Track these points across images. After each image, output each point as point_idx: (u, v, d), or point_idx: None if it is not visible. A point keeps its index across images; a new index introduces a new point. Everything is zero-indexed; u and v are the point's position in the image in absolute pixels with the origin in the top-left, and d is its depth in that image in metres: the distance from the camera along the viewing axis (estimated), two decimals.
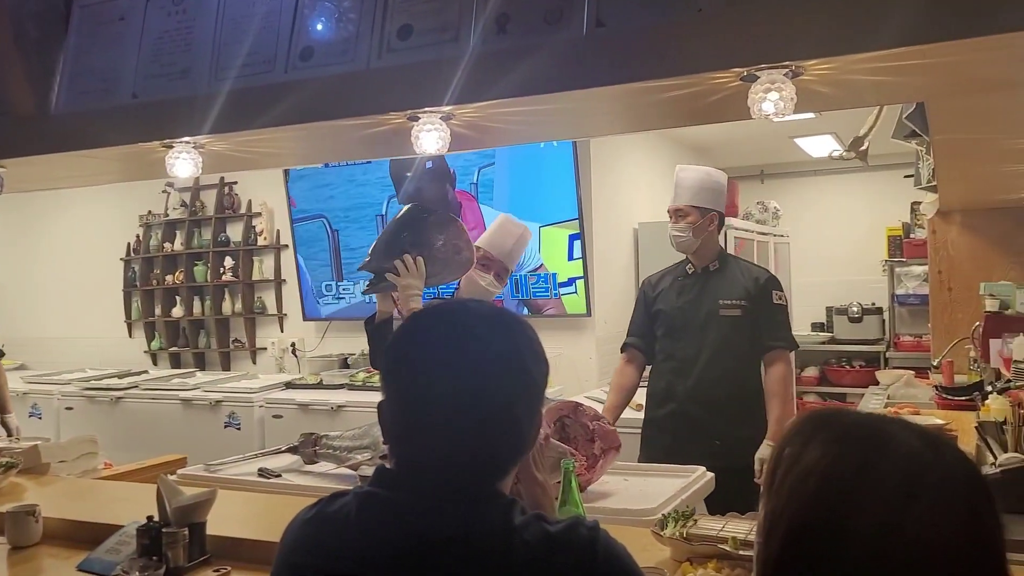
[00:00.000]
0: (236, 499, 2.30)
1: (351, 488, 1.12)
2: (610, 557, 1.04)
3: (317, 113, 2.04)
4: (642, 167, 5.73)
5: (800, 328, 7.02)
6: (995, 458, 2.45)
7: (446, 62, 1.83)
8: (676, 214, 3.01)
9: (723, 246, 3.17)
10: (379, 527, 1.04)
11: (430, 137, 1.94)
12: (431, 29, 1.89)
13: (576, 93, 1.83)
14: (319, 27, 2.07)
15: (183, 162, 2.23)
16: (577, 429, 2.34)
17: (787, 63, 1.58)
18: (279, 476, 2.56)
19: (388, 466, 1.10)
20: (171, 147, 2.25)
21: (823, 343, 7.09)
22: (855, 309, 6.93)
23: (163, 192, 6.20)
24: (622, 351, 3.16)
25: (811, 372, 7.13)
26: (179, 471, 2.64)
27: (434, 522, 1.01)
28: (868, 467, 0.79)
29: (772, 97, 1.58)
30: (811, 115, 5.28)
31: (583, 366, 4.88)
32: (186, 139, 2.22)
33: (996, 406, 3.00)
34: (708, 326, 2.97)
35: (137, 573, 1.74)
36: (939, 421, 2.96)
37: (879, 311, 6.93)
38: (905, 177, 5.16)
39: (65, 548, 2.01)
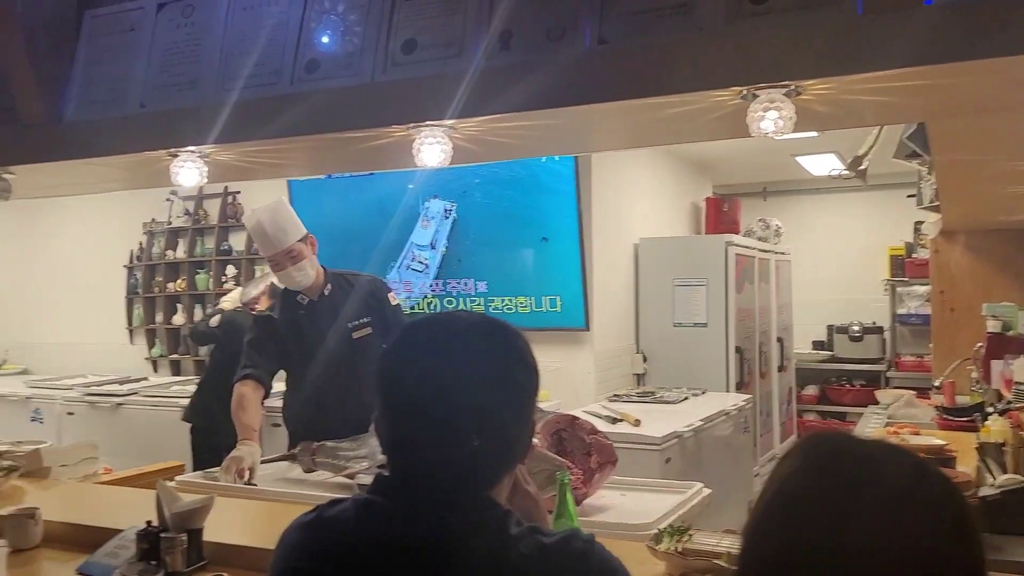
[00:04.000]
0: (232, 506, 2.30)
1: (349, 496, 1.14)
2: (604, 570, 1.04)
3: (321, 125, 2.06)
4: (644, 183, 5.76)
5: (801, 346, 7.03)
6: (994, 479, 2.45)
7: (449, 77, 1.85)
8: (288, 258, 2.82)
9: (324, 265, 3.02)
10: (376, 533, 1.05)
11: (432, 150, 1.97)
12: (435, 44, 1.92)
13: (578, 109, 1.85)
14: (325, 40, 2.10)
15: (188, 171, 2.25)
16: (574, 443, 2.34)
17: (786, 83, 1.60)
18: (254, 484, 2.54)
19: (386, 474, 1.11)
20: (176, 156, 2.27)
21: (823, 361, 7.09)
22: (856, 328, 6.94)
23: (167, 200, 6.23)
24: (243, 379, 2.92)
25: (811, 391, 7.13)
26: (177, 478, 2.65)
27: (430, 530, 1.02)
28: (838, 488, 0.79)
29: (771, 116, 1.60)
30: (813, 133, 5.31)
31: (581, 380, 4.89)
32: (191, 148, 2.24)
33: (996, 427, 3.00)
34: (347, 350, 2.87)
35: None
36: (939, 441, 2.96)
37: (880, 330, 6.94)
38: (908, 196, 5.18)
39: (65, 551, 2.02)
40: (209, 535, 1.92)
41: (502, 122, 1.96)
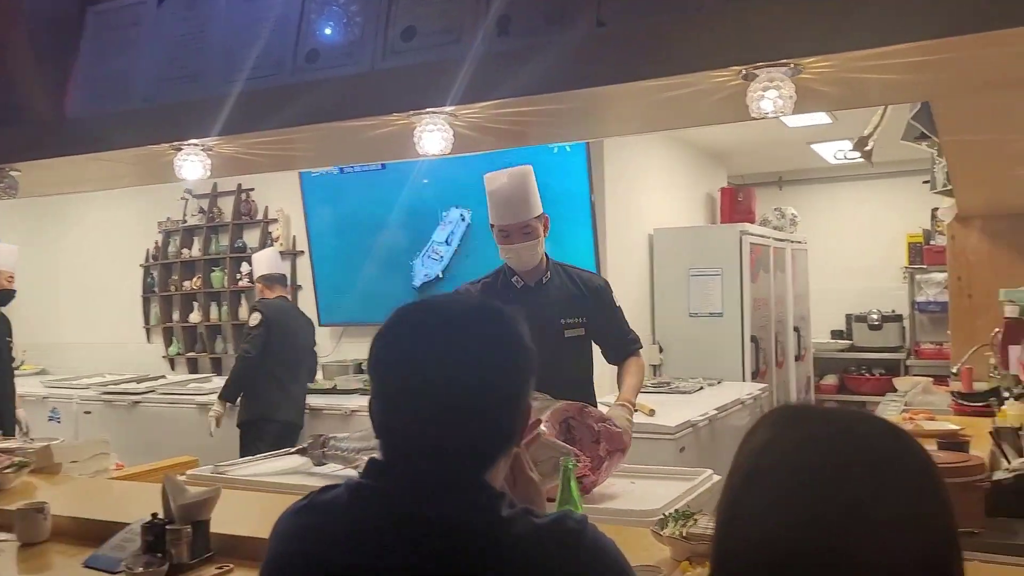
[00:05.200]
0: (242, 499, 2.31)
1: (343, 481, 1.13)
2: (595, 549, 1.03)
3: (323, 114, 2.06)
4: (657, 174, 5.72)
5: (819, 335, 6.98)
6: (1008, 463, 2.41)
7: (448, 63, 1.84)
8: (522, 232, 2.58)
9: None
10: (368, 515, 1.04)
11: (432, 138, 1.95)
12: (434, 31, 1.91)
13: (579, 93, 1.83)
14: (324, 30, 2.09)
15: (191, 164, 2.25)
16: (583, 431, 2.33)
17: (786, 60, 1.57)
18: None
19: (379, 458, 1.11)
20: (180, 149, 2.27)
21: (842, 351, 7.03)
22: (875, 316, 6.88)
23: (181, 199, 6.27)
24: None
25: (830, 380, 7.07)
26: (188, 472, 2.66)
27: (421, 510, 1.02)
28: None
29: (771, 95, 1.58)
30: (828, 120, 5.25)
31: (596, 370, 4.85)
32: (194, 141, 2.25)
33: (1013, 412, 2.96)
34: (554, 347, 2.52)
35: (141, 569, 1.75)
36: (953, 427, 2.92)
37: (899, 318, 6.88)
38: (924, 182, 5.10)
39: (73, 545, 2.03)
40: (217, 527, 1.92)
41: (503, 108, 1.94)
